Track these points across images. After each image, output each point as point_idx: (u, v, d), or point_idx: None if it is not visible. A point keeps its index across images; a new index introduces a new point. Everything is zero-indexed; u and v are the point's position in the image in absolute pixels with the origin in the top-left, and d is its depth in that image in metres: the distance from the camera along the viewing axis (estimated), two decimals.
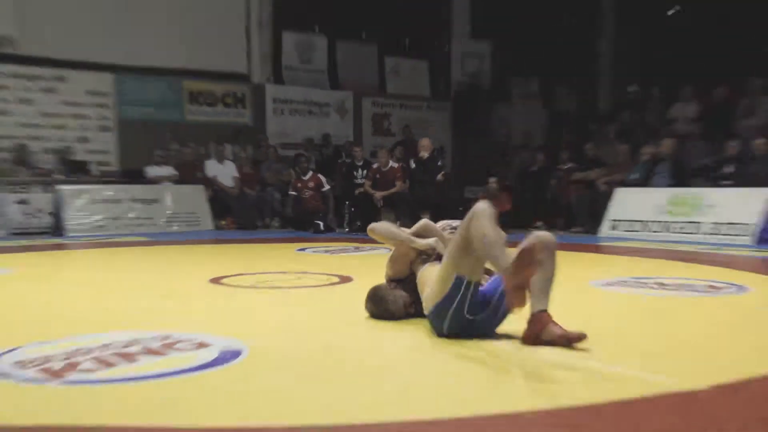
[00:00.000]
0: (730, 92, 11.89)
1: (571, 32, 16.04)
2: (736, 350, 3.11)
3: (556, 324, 3.02)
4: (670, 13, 16.23)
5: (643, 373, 2.65)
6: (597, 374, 2.65)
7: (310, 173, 11.49)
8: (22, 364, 2.79)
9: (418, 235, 3.71)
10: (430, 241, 3.62)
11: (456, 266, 3.07)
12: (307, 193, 11.27)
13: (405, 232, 3.67)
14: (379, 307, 3.64)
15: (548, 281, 3.09)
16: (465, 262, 3.05)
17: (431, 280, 3.23)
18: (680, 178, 9.99)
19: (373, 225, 3.75)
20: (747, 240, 8.48)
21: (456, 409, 2.23)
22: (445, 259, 3.17)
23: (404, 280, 3.65)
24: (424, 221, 3.86)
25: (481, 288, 3.14)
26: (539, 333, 3.01)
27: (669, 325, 3.65)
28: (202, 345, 3.08)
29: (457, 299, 3.08)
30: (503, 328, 3.26)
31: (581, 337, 2.98)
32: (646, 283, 5.07)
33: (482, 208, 3.04)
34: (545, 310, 3.06)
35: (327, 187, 11.35)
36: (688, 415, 2.21)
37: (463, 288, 3.07)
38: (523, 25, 15.42)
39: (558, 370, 2.71)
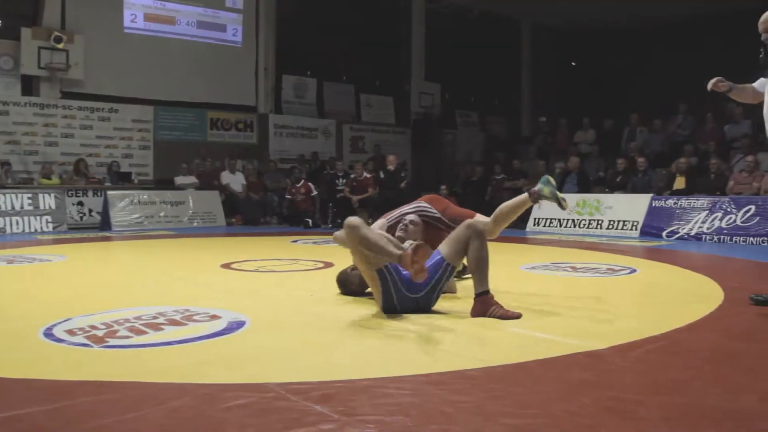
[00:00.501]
0: (615, 123, 12.21)
1: (499, 72, 16.35)
2: (631, 318, 3.08)
3: (498, 304, 2.98)
4: (573, 64, 16.66)
5: (562, 338, 2.62)
6: (526, 339, 2.61)
7: (302, 181, 11.44)
8: (72, 332, 2.72)
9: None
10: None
11: (369, 266, 3.00)
12: (299, 197, 11.23)
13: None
14: (345, 287, 3.64)
15: (483, 262, 3.03)
16: (372, 260, 2.98)
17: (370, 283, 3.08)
18: (584, 186, 10.07)
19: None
20: (635, 233, 8.54)
21: (415, 368, 2.19)
22: (360, 267, 3.08)
23: None
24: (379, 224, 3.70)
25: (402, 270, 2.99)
26: (485, 312, 2.96)
27: (580, 299, 3.64)
28: (214, 317, 3.04)
29: (391, 285, 3.01)
30: (450, 305, 3.21)
31: (518, 316, 2.95)
32: (561, 267, 5.08)
33: (353, 223, 2.94)
34: (487, 292, 3.00)
35: (315, 192, 11.30)
36: (595, 369, 2.19)
37: (387, 275, 3.01)
38: (465, 70, 15.68)
39: (494, 336, 2.67)
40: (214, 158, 12.30)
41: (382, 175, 11.30)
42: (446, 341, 2.60)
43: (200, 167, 11.96)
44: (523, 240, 8.17)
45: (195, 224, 10.74)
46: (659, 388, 1.98)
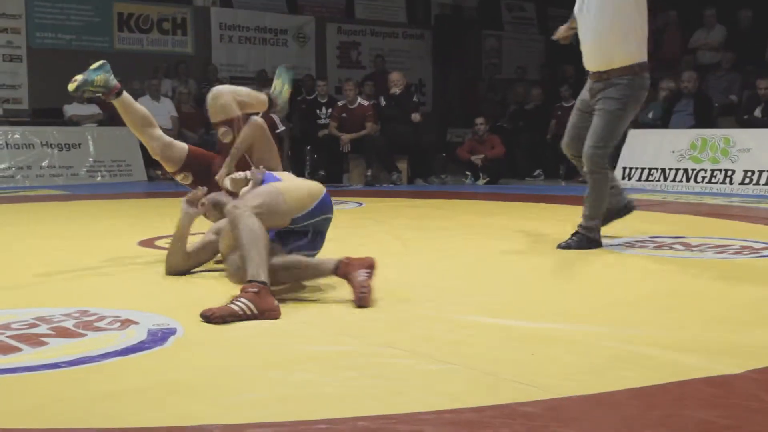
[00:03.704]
0: (756, 16, 11.95)
1: None
2: None
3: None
4: None
5: (668, 353, 2.61)
6: (609, 355, 2.56)
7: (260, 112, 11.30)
8: None
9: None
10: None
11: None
12: None
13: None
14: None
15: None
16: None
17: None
18: (705, 118, 9.99)
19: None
20: None
21: (435, 399, 2.18)
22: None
23: None
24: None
25: None
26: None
27: (696, 295, 3.62)
28: (127, 323, 3.04)
29: None
30: None
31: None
32: (666, 244, 5.07)
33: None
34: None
35: (281, 128, 11.15)
36: (723, 406, 2.15)
37: None
38: None
39: (560, 352, 2.61)
40: (127, 76, 12.18)
41: (383, 102, 11.28)
42: (477, 356, 2.60)
43: None
44: None
45: (99, 179, 10.80)
46: None
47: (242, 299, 3.10)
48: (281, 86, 4.72)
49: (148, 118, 4.55)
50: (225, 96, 4.35)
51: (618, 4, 4.59)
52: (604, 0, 4.58)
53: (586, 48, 4.76)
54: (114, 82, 4.40)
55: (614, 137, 4.78)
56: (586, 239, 4.80)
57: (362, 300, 3.28)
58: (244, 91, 4.55)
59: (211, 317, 3.02)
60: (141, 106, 4.62)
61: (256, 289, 3.14)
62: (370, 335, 2.89)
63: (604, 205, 4.83)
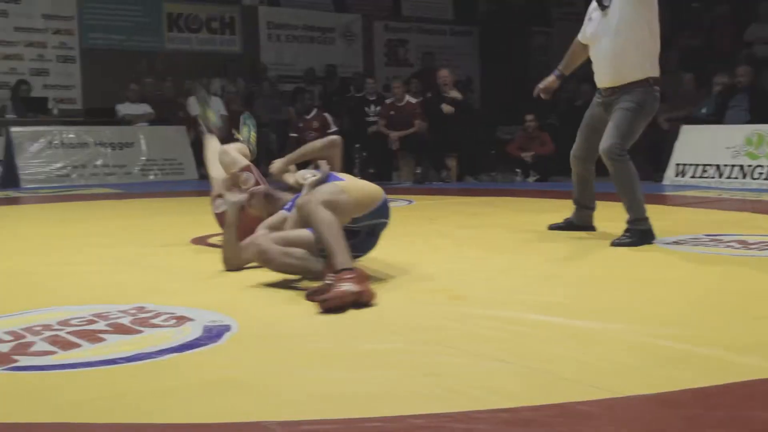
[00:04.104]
0: None
1: None
2: None
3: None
4: None
5: (728, 353, 2.55)
6: (666, 354, 2.53)
7: (315, 111, 11.35)
8: None
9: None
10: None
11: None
12: (310, 135, 11.10)
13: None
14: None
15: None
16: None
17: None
18: (761, 112, 9.77)
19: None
20: None
21: (490, 397, 2.15)
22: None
23: None
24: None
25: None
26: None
27: (755, 294, 3.53)
28: (182, 319, 3.06)
29: None
30: None
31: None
32: (723, 241, 4.98)
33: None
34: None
35: (334, 128, 11.19)
36: None
37: None
38: None
39: (613, 349, 2.58)
40: (177, 76, 12.32)
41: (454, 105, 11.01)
42: (531, 354, 2.58)
43: (156, 90, 11.98)
44: (661, 199, 8.05)
45: (151, 177, 10.90)
46: None
47: (346, 284, 3.22)
48: (248, 133, 5.16)
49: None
50: (230, 152, 4.85)
51: (632, 26, 4.77)
52: (618, 24, 4.79)
53: (599, 68, 5.00)
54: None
55: (632, 134, 4.86)
56: (638, 233, 4.78)
57: (322, 305, 3.20)
58: (239, 145, 5.09)
59: (324, 302, 3.15)
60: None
61: (353, 275, 3.27)
62: (423, 333, 2.87)
63: (637, 191, 4.84)
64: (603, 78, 4.98)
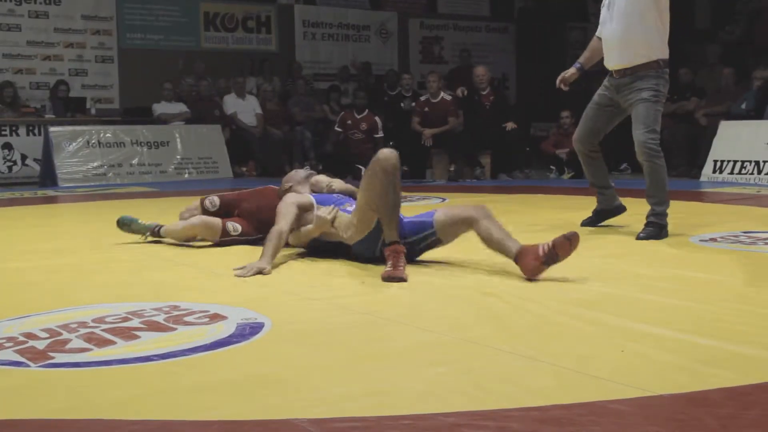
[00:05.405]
0: None
1: None
2: None
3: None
4: None
5: (757, 350, 2.53)
6: (702, 353, 2.51)
7: (366, 112, 11.24)
8: None
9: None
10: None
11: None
12: (357, 135, 11.09)
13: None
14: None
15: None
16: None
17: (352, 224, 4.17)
18: None
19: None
20: None
21: (522, 395, 2.15)
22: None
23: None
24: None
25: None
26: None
27: None
28: (216, 317, 3.08)
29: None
30: None
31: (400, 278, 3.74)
32: (761, 239, 4.91)
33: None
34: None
35: (381, 134, 11.13)
36: None
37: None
38: None
39: (651, 347, 2.56)
40: (213, 75, 12.40)
41: (464, 95, 11.05)
42: (563, 352, 2.56)
43: (193, 89, 12.06)
44: (697, 195, 8.00)
45: (186, 176, 10.96)
46: None
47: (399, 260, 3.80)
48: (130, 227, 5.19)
49: (185, 229, 4.99)
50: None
51: (641, 8, 4.90)
52: (627, 6, 4.91)
53: (609, 49, 5.12)
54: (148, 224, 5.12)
55: (657, 123, 4.99)
56: (659, 227, 4.91)
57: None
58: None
59: (390, 278, 3.69)
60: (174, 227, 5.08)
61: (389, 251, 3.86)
62: (454, 330, 2.86)
63: (666, 189, 4.97)
64: (612, 59, 5.09)
